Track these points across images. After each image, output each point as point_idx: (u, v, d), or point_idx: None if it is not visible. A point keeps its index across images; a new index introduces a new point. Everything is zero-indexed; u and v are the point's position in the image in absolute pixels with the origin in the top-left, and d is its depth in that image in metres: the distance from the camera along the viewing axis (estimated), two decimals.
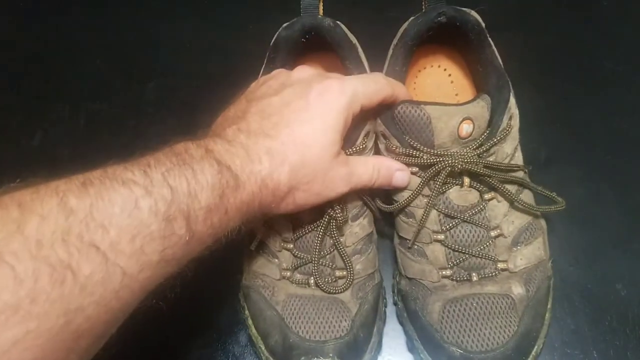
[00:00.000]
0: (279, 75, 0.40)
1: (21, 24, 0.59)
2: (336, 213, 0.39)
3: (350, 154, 0.40)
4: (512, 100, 0.41)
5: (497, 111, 0.40)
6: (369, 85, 0.38)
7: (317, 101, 0.36)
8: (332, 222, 0.39)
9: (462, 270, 0.40)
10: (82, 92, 0.54)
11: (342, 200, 0.40)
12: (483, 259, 0.39)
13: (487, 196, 0.40)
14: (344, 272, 0.40)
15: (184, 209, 0.29)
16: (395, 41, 0.44)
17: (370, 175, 0.39)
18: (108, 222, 0.26)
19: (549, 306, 0.40)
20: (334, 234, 0.40)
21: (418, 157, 0.39)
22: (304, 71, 0.39)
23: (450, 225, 0.40)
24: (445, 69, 0.48)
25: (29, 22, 0.59)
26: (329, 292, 0.40)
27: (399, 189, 0.41)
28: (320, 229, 0.39)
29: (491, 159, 0.40)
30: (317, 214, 0.40)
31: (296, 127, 0.35)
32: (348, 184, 0.38)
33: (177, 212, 0.28)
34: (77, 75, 0.55)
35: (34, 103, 0.54)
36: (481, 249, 0.39)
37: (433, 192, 0.39)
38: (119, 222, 0.26)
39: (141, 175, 0.28)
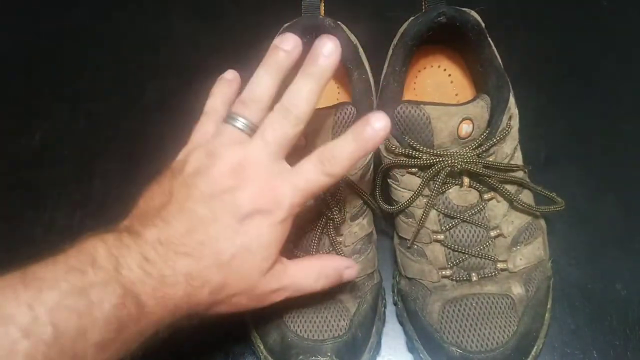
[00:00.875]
0: (207, 155, 0.33)
1: (21, 24, 0.59)
2: (333, 215, 0.39)
3: None
4: (512, 100, 0.41)
5: (496, 111, 0.40)
6: (312, 181, 0.33)
7: (248, 223, 0.32)
8: (330, 223, 0.39)
9: (462, 270, 0.40)
10: (82, 92, 0.54)
11: (340, 201, 0.40)
12: (483, 259, 0.39)
13: (486, 196, 0.40)
14: None
15: (67, 350, 0.26)
16: (395, 41, 0.44)
17: (314, 284, 0.36)
18: None
19: (548, 306, 0.40)
20: (331, 234, 0.40)
21: (417, 157, 0.39)
22: (230, 159, 0.33)
23: (450, 225, 0.40)
24: (445, 69, 0.48)
25: (29, 22, 0.59)
26: (327, 292, 0.40)
27: (399, 191, 0.41)
28: (318, 229, 0.39)
29: (491, 159, 0.40)
30: (315, 215, 0.40)
31: (222, 249, 0.32)
32: (282, 295, 0.35)
33: (57, 354, 0.26)
34: (77, 75, 0.55)
35: (34, 103, 0.54)
36: (481, 249, 0.39)
37: (432, 192, 0.39)
38: None
39: (25, 310, 0.26)
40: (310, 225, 0.40)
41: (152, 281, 0.30)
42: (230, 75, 0.41)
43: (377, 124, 0.33)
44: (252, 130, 0.34)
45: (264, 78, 0.35)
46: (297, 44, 0.35)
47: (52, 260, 0.28)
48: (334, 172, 0.33)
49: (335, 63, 0.34)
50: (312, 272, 0.36)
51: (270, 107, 0.34)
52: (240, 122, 0.34)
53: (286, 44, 0.35)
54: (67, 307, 0.27)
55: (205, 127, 0.37)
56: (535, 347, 0.38)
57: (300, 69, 0.34)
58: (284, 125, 0.33)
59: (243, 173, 0.32)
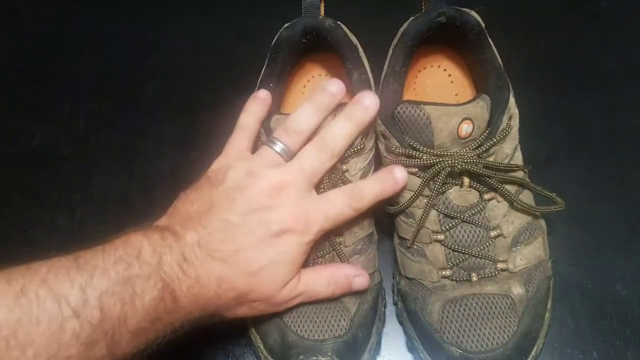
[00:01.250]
0: (248, 174, 0.36)
1: (21, 23, 0.59)
2: None
3: (349, 155, 0.40)
4: (512, 101, 0.41)
5: (496, 111, 0.40)
6: (340, 211, 0.37)
7: (278, 239, 0.35)
8: None
9: (462, 271, 0.40)
10: (82, 92, 0.54)
11: None
12: (483, 259, 0.39)
13: (486, 196, 0.40)
14: None
15: (108, 332, 0.29)
16: (395, 41, 0.44)
17: (325, 290, 0.38)
18: (29, 341, 0.26)
19: (548, 306, 0.40)
20: (330, 234, 0.40)
21: (418, 157, 0.39)
22: (269, 180, 0.36)
23: (450, 225, 0.40)
24: (445, 69, 0.48)
25: (29, 22, 0.59)
26: None
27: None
28: None
29: (491, 159, 0.40)
30: None
31: (253, 259, 0.35)
32: (296, 301, 0.38)
33: (100, 336, 0.29)
34: (77, 75, 0.55)
35: (34, 103, 0.54)
36: (481, 249, 0.39)
37: (432, 192, 0.39)
38: (39, 342, 0.27)
39: (77, 292, 0.28)
40: None
41: (188, 280, 0.33)
42: (263, 95, 0.43)
43: (398, 175, 0.39)
44: (289, 156, 0.38)
45: (309, 113, 0.39)
46: (342, 88, 0.40)
47: (101, 249, 0.31)
48: (359, 208, 0.38)
49: (373, 115, 0.39)
50: (323, 279, 0.38)
51: (309, 139, 0.38)
52: (279, 147, 0.38)
53: (332, 87, 0.40)
54: (114, 294, 0.29)
55: (240, 142, 0.40)
56: (535, 347, 0.38)
57: (342, 110, 0.39)
58: (321, 157, 0.37)
59: (279, 194, 0.36)
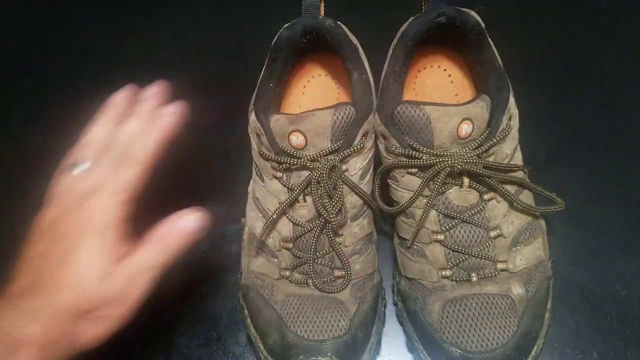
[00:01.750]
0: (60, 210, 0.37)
1: (21, 23, 0.59)
2: (331, 217, 0.39)
3: (349, 154, 0.40)
4: (512, 101, 0.41)
5: (496, 111, 0.40)
6: (128, 182, 0.36)
7: (75, 245, 0.34)
8: (328, 225, 0.39)
9: (462, 271, 0.40)
10: (82, 92, 0.54)
11: (339, 202, 0.39)
12: (483, 259, 0.39)
13: (486, 196, 0.40)
14: (343, 272, 0.40)
15: None
16: (395, 41, 0.44)
17: (164, 253, 0.35)
18: None
19: (548, 306, 0.40)
20: (330, 234, 0.40)
21: (417, 157, 0.39)
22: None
23: (450, 225, 0.40)
24: (445, 69, 0.48)
25: (29, 22, 0.59)
26: (326, 292, 0.40)
27: (399, 192, 0.41)
28: (317, 230, 0.39)
29: (491, 159, 0.40)
30: (315, 215, 0.40)
31: (60, 275, 0.34)
32: (142, 282, 0.34)
33: None
34: (77, 75, 0.55)
35: (34, 103, 0.54)
36: (481, 249, 0.39)
37: (432, 193, 0.39)
38: None
39: None
40: (310, 226, 0.40)
41: (19, 323, 0.32)
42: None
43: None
44: (91, 168, 0.38)
45: (99, 124, 0.41)
46: (126, 96, 0.43)
47: None
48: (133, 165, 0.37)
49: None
50: (155, 246, 0.35)
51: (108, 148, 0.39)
52: (81, 167, 0.38)
53: (118, 97, 0.43)
54: None
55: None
56: (535, 347, 0.38)
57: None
58: (111, 161, 0.38)
59: (64, 199, 0.37)
